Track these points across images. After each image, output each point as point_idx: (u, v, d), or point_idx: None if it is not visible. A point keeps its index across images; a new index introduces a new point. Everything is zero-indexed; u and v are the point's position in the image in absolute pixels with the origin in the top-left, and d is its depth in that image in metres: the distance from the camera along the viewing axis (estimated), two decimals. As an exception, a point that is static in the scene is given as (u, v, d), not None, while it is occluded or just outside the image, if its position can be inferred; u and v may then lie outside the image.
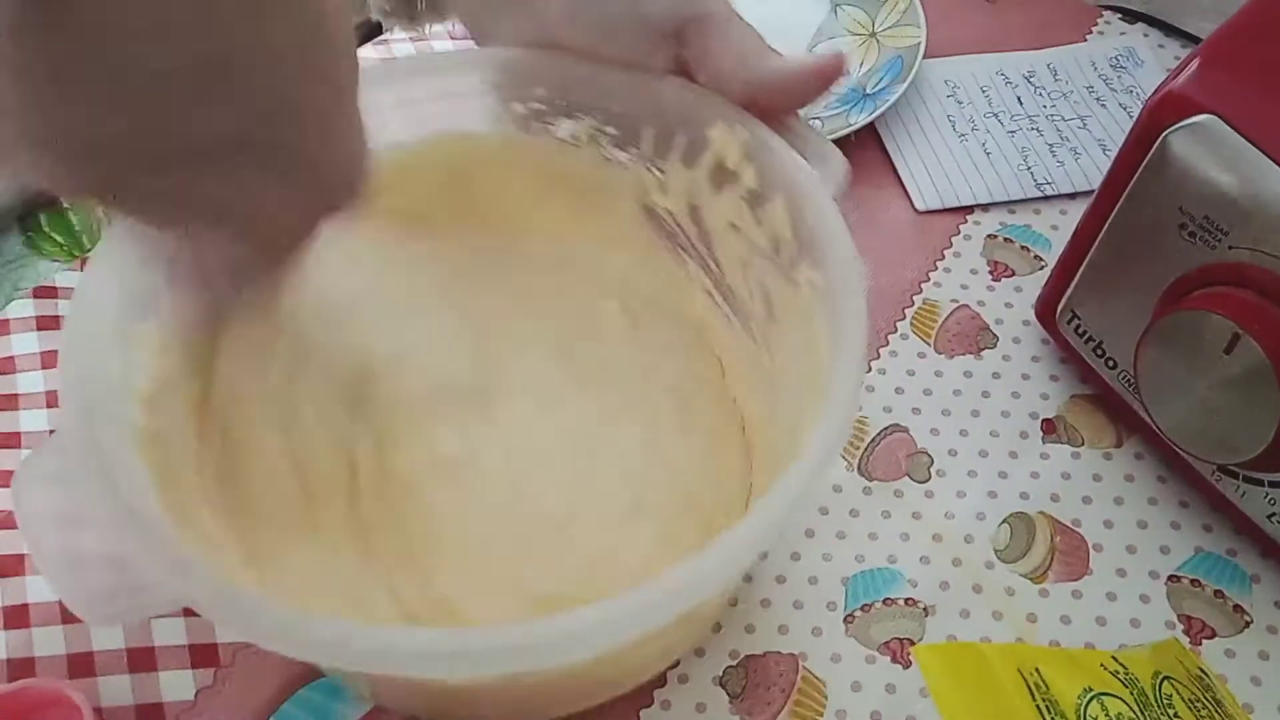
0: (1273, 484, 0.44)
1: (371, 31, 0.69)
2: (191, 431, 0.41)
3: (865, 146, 0.62)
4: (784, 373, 0.43)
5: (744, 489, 0.45)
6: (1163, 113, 0.43)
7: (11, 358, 0.50)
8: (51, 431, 0.49)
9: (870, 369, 0.53)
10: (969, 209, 0.60)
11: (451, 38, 0.67)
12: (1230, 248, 0.42)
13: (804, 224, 0.41)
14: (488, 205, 0.48)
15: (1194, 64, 0.44)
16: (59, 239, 0.59)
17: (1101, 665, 0.43)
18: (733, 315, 0.47)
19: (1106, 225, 0.47)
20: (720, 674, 0.44)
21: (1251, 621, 0.46)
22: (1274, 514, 0.45)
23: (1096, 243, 0.47)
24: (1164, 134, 0.43)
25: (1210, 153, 0.42)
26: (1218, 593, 0.47)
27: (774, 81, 0.40)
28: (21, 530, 0.34)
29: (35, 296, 0.52)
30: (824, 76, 0.40)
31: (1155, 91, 0.44)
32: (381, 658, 0.30)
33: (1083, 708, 0.41)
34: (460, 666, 0.30)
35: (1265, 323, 0.40)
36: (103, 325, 0.37)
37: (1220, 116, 0.42)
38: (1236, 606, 0.46)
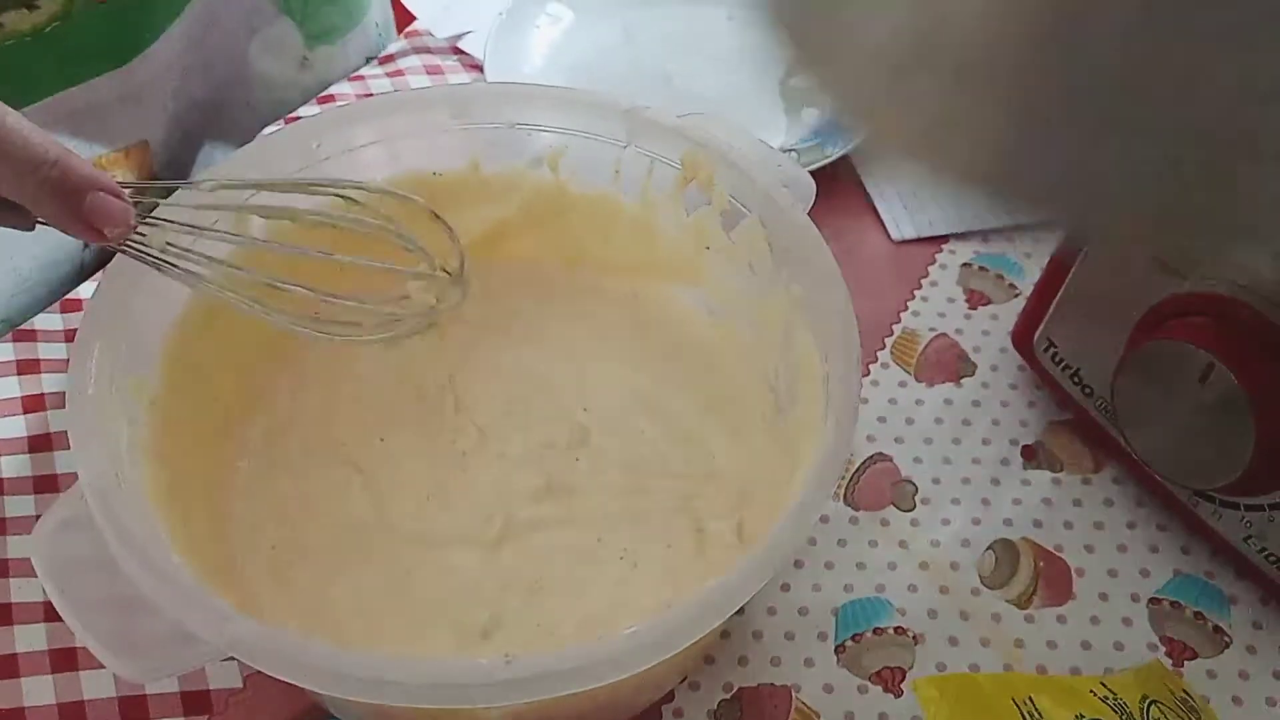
0: (1248, 507, 0.45)
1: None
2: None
3: (841, 178, 0.63)
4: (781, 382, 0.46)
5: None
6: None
7: (-8, 402, 0.50)
8: (38, 478, 0.48)
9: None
10: (944, 238, 0.61)
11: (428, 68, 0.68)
12: (1204, 278, 0.43)
13: (779, 240, 0.43)
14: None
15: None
16: None
17: (1091, 691, 0.43)
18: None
19: (1081, 255, 0.48)
20: (715, 707, 0.44)
21: (1230, 642, 0.47)
22: (1250, 536, 0.46)
23: (1071, 272, 0.48)
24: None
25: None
26: (1197, 614, 0.48)
27: None
28: (42, 579, 0.34)
29: (15, 340, 0.52)
30: None
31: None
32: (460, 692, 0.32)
33: (1074, 734, 0.42)
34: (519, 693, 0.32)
35: (1239, 352, 0.41)
36: (101, 379, 0.37)
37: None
38: (1216, 628, 0.47)
